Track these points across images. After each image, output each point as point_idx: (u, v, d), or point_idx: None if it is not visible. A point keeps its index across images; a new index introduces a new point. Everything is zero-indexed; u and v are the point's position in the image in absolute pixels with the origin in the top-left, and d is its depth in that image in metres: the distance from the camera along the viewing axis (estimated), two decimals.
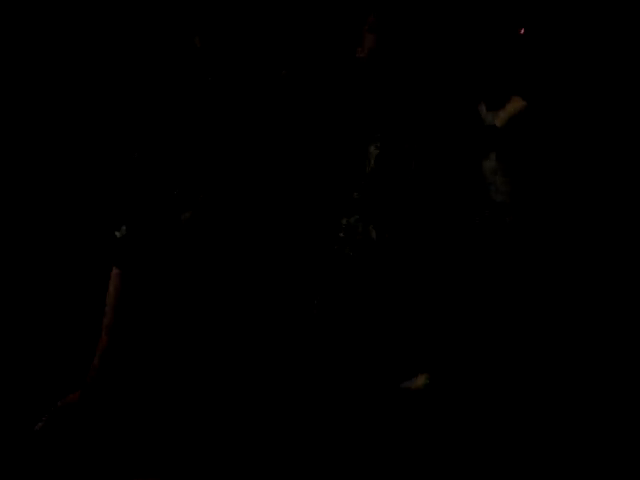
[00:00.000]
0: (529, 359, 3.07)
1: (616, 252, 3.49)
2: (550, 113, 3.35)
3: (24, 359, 2.54)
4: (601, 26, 3.88)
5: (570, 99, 3.67)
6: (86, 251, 2.52)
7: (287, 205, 2.64)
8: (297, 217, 2.68)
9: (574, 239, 3.47)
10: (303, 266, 2.72)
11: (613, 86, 3.78)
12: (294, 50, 3.13)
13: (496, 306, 3.23)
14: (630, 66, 3.71)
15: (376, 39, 2.92)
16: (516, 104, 3.24)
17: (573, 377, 3.06)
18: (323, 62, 3.20)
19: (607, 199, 3.63)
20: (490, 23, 3.69)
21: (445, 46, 3.46)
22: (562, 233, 3.42)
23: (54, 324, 2.52)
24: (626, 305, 3.31)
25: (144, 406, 2.45)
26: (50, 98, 2.69)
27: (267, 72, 2.75)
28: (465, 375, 2.98)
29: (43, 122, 2.63)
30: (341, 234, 2.84)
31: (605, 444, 2.87)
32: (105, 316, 2.35)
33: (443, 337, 3.08)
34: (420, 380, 2.91)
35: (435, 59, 3.41)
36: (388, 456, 2.74)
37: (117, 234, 2.41)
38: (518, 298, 3.15)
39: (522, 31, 3.84)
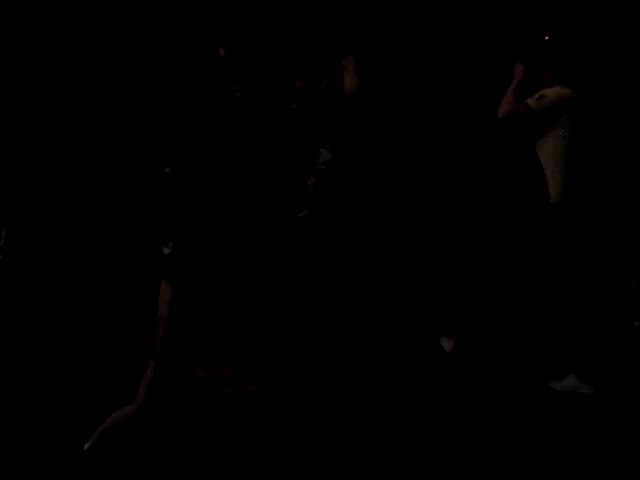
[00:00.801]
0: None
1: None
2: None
3: (69, 368, 2.55)
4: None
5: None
6: (134, 267, 2.55)
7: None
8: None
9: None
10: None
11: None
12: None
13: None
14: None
15: (354, 79, 3.06)
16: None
17: None
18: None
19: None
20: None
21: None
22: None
23: (103, 337, 2.55)
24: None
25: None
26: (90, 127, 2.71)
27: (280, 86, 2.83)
28: None
29: (89, 149, 2.66)
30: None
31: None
32: (158, 329, 2.39)
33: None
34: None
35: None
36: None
37: (165, 250, 2.46)
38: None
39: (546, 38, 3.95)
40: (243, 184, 2.54)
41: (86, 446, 2.34)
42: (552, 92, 3.83)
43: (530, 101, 3.77)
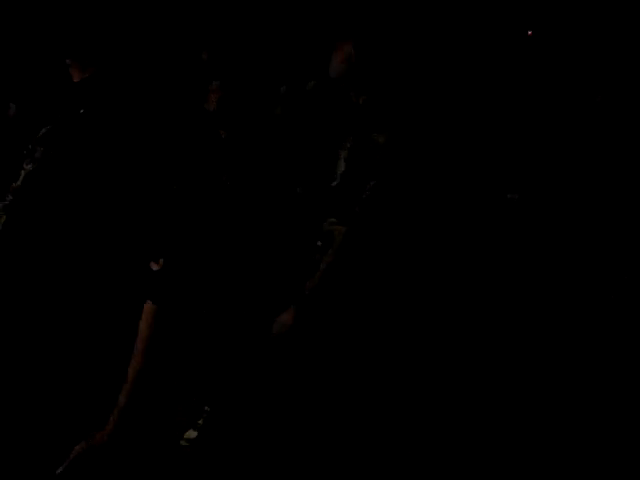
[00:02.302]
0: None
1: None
2: None
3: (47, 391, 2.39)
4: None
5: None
6: (115, 283, 2.34)
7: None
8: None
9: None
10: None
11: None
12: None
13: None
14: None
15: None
16: None
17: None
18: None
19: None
20: None
21: None
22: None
23: (78, 358, 2.37)
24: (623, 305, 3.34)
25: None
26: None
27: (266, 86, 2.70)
28: None
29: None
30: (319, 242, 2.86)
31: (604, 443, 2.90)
32: (134, 356, 2.22)
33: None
34: None
35: None
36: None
37: (153, 267, 2.25)
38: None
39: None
40: (241, 197, 2.37)
41: (58, 471, 2.21)
42: None
43: None
